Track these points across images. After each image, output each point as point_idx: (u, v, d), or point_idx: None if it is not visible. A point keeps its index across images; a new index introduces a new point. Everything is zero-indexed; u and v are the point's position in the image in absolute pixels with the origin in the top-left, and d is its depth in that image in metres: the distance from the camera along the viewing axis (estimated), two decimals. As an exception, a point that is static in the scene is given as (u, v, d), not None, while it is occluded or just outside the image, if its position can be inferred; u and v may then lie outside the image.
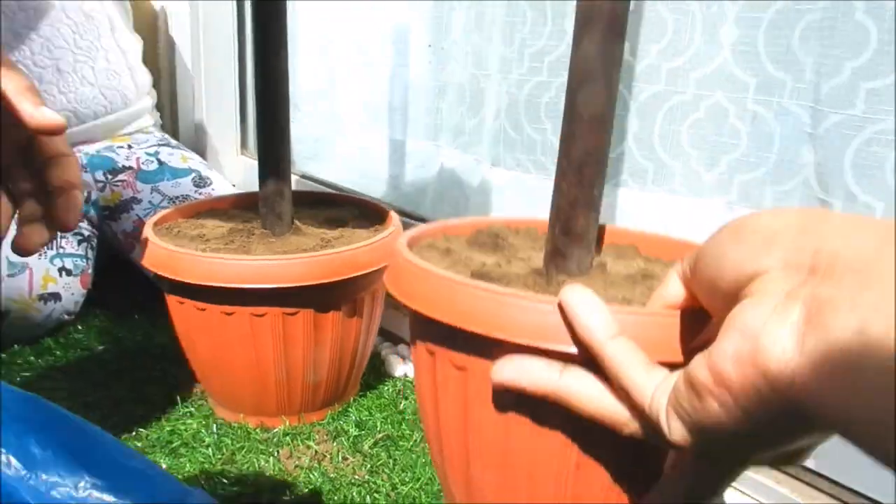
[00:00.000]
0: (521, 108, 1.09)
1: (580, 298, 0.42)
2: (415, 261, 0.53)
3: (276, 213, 0.88)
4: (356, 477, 0.76)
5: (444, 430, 0.55)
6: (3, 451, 0.45)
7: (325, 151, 1.44)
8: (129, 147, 1.31)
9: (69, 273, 1.07)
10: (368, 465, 0.78)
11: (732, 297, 0.34)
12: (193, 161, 1.31)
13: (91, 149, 1.29)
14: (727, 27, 0.84)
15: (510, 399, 0.48)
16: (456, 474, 0.56)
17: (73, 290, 1.07)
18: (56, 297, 1.04)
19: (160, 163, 1.26)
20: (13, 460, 0.46)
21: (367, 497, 0.72)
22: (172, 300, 0.81)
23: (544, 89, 1.07)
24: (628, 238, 0.68)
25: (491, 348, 0.47)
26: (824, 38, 0.74)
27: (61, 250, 1.08)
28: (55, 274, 1.04)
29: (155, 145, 1.33)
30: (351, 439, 0.82)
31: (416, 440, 0.83)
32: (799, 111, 0.80)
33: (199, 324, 0.80)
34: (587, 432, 0.46)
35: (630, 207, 0.97)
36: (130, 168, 1.24)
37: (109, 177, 1.23)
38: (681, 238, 0.67)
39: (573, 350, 0.44)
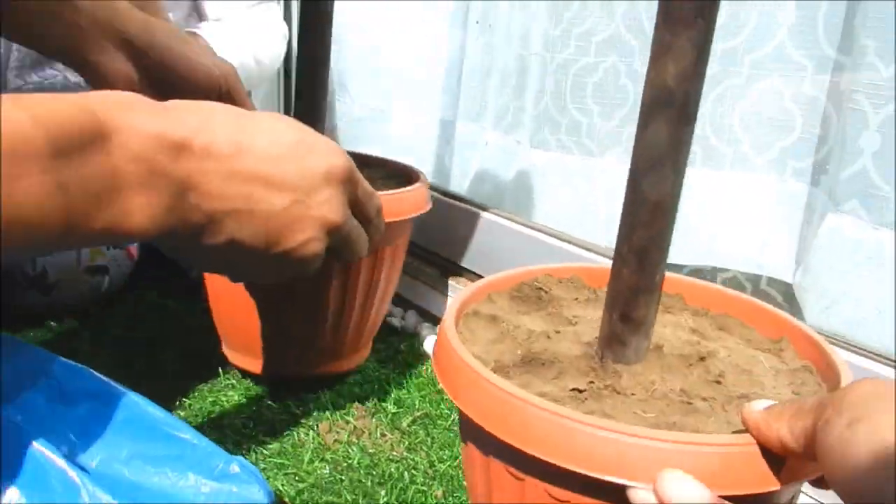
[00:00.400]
0: (567, 90, 1.05)
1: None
2: (465, 356, 0.52)
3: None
4: (394, 453, 0.80)
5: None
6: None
7: (369, 132, 1.41)
8: None
9: (116, 246, 1.07)
10: (406, 443, 0.82)
11: None
12: None
13: None
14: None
15: None
16: None
17: (120, 263, 1.08)
18: (104, 269, 1.06)
19: None
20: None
21: (405, 473, 0.76)
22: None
23: (591, 70, 1.02)
24: (673, 286, 0.66)
25: (552, 473, 0.46)
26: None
27: None
28: (103, 247, 1.05)
29: None
30: (389, 416, 0.85)
31: (454, 419, 0.87)
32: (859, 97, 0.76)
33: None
34: None
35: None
36: None
37: None
38: (727, 290, 0.68)
39: (635, 484, 0.45)
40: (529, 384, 0.54)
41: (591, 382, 0.54)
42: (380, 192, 0.77)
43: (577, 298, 0.66)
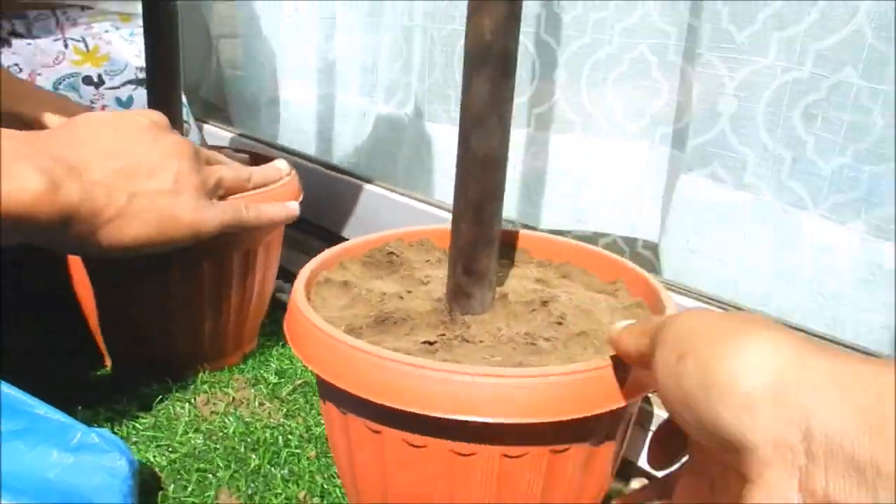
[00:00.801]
0: (455, 62, 1.07)
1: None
2: (313, 319, 0.53)
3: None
4: (271, 420, 0.80)
5: (361, 485, 0.57)
6: None
7: (263, 109, 1.39)
8: (98, 82, 1.13)
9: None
10: (285, 410, 0.83)
11: (718, 449, 0.34)
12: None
13: (52, 73, 1.10)
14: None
15: (430, 461, 0.51)
16: None
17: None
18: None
19: None
20: None
21: (280, 438, 0.77)
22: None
23: None
24: (520, 241, 0.69)
25: (404, 419, 0.48)
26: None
27: None
28: None
29: (131, 83, 1.15)
30: (270, 386, 0.86)
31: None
32: (716, 61, 0.80)
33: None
34: (506, 483, 0.51)
35: (561, 153, 1.01)
36: None
37: None
38: (569, 241, 0.73)
39: (482, 419, 0.47)
40: (381, 342, 0.55)
41: (442, 335, 0.57)
42: (250, 193, 0.78)
43: (428, 260, 0.68)
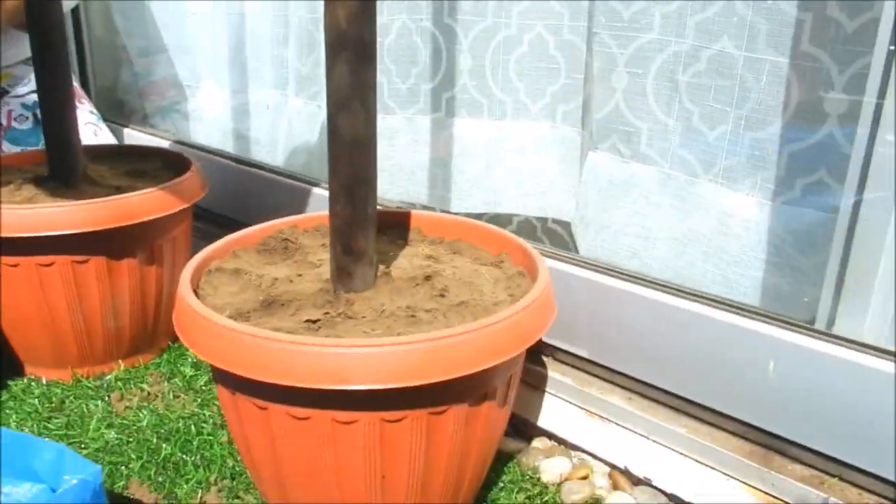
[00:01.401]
0: None
1: None
2: (198, 309, 0.55)
3: (67, 164, 0.88)
4: (185, 411, 0.82)
5: (257, 460, 0.59)
6: None
7: (178, 108, 1.39)
8: (3, 93, 1.13)
9: None
10: (199, 400, 0.84)
11: None
12: (82, 111, 1.16)
13: None
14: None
15: (315, 432, 0.54)
16: (272, 492, 0.61)
17: None
18: None
19: (37, 121, 1.11)
20: None
21: (193, 427, 0.78)
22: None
23: (385, 31, 1.05)
24: (413, 221, 0.72)
25: (286, 393, 0.51)
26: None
27: None
28: None
29: (34, 92, 1.14)
30: (186, 378, 0.87)
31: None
32: (607, 38, 0.84)
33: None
34: (389, 447, 0.54)
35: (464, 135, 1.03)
36: None
37: None
38: (459, 218, 0.76)
39: (354, 387, 0.50)
40: (266, 323, 0.58)
41: (326, 313, 0.59)
42: (146, 191, 0.79)
43: (323, 245, 0.70)
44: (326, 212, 0.76)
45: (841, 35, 0.67)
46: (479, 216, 1.07)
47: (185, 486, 0.69)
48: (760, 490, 0.64)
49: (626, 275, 0.75)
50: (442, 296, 0.62)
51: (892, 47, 0.58)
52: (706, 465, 0.67)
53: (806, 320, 0.66)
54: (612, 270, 0.76)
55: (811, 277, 0.72)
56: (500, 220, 1.10)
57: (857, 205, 0.61)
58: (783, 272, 0.76)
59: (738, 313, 0.66)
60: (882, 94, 0.59)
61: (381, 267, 0.64)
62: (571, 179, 0.99)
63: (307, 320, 0.58)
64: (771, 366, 0.63)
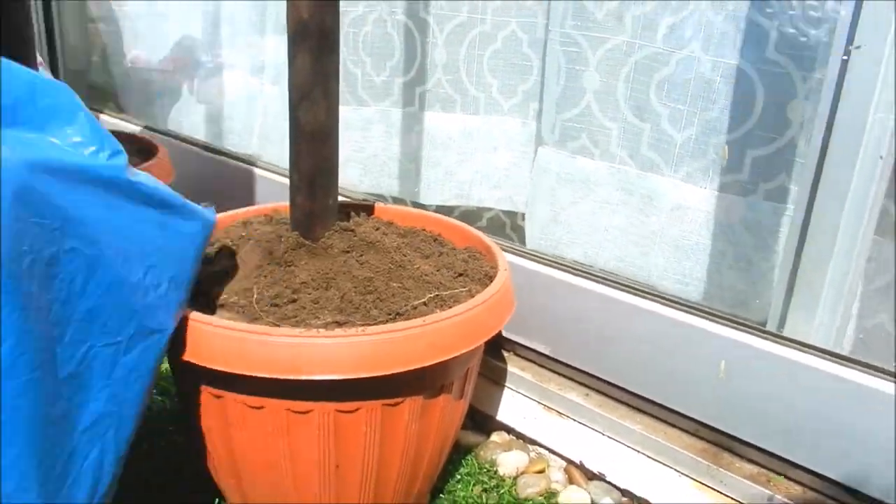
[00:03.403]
0: (359, 43, 1.07)
1: None
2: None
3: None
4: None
5: (212, 451, 0.59)
6: None
7: (154, 96, 1.38)
8: None
9: None
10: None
11: None
12: None
13: None
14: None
15: (270, 421, 0.54)
16: (230, 486, 0.61)
17: None
18: None
19: None
20: None
21: None
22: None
23: (360, 23, 1.05)
24: (386, 214, 0.72)
25: (241, 382, 0.52)
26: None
27: None
28: None
29: None
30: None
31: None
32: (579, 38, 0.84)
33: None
34: (343, 437, 0.54)
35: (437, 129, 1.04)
36: None
37: None
38: (426, 213, 0.77)
39: (309, 377, 0.51)
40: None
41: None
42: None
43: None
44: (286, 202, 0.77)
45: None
46: (450, 209, 1.08)
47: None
48: (710, 487, 0.66)
49: (581, 271, 0.76)
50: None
51: (845, 57, 0.59)
52: (659, 461, 0.69)
53: (758, 320, 0.67)
54: (567, 266, 0.77)
55: (764, 277, 0.74)
56: (471, 213, 1.10)
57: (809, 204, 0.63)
58: (737, 270, 0.77)
59: (691, 312, 0.67)
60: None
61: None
62: (534, 174, 1.01)
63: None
64: (722, 365, 0.64)
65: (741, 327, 0.64)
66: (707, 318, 0.66)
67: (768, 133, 0.75)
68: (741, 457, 0.66)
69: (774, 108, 0.73)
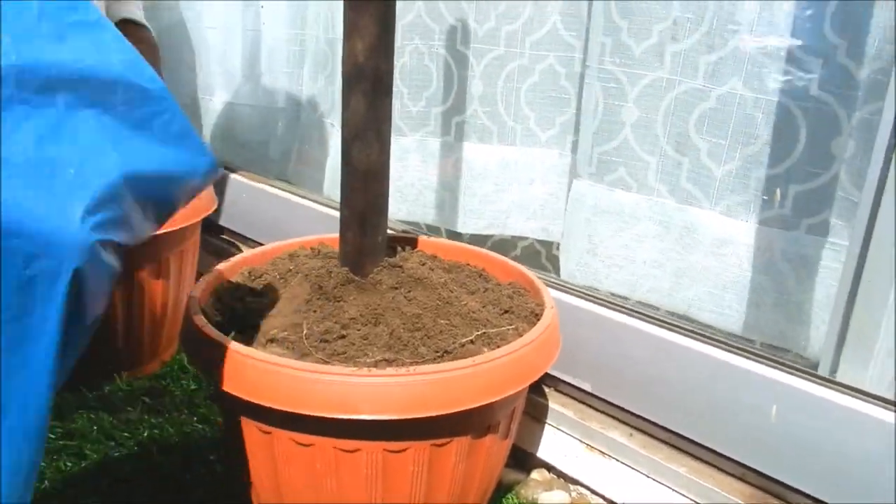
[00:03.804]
0: None
1: None
2: (204, 329, 0.55)
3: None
4: (185, 427, 0.80)
5: (258, 485, 0.60)
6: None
7: (197, 120, 1.42)
8: None
9: None
10: (199, 416, 0.82)
11: None
12: None
13: None
14: None
15: (318, 459, 0.54)
16: None
17: None
18: None
19: None
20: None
21: (193, 444, 0.77)
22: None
23: (398, 53, 1.07)
24: (430, 247, 0.73)
25: (291, 419, 0.52)
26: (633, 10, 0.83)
27: None
28: None
29: None
30: (187, 394, 0.86)
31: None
32: (618, 72, 0.85)
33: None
34: (391, 477, 0.54)
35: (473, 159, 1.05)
36: None
37: None
38: (468, 246, 0.77)
39: (359, 416, 0.51)
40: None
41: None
42: None
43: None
44: (331, 235, 0.77)
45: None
46: (484, 238, 1.08)
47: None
48: (758, 533, 0.64)
49: (621, 306, 0.76)
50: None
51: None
52: (705, 505, 0.67)
53: (804, 358, 0.66)
54: (608, 302, 0.77)
55: (808, 314, 0.73)
56: (505, 242, 1.10)
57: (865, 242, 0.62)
58: (780, 305, 0.76)
59: (741, 354, 0.66)
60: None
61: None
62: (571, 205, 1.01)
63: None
64: (774, 410, 0.63)
65: (793, 371, 0.63)
66: (758, 361, 0.65)
67: (812, 168, 0.75)
68: (791, 504, 0.64)
69: (818, 144, 0.73)
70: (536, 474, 0.77)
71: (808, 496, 0.63)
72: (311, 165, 1.24)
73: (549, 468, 0.78)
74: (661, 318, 0.74)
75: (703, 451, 0.69)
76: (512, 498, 0.73)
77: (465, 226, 1.08)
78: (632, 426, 0.74)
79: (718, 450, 0.68)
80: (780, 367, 0.64)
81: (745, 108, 0.78)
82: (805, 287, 0.74)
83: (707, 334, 0.70)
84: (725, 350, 0.67)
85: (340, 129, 0.57)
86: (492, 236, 1.09)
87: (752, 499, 0.65)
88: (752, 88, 0.77)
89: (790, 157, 0.75)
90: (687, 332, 0.71)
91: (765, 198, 0.78)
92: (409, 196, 1.13)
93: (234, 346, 0.55)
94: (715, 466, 0.69)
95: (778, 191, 0.77)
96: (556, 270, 1.02)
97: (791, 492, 0.64)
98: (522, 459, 0.79)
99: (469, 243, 0.80)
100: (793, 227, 0.76)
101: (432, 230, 1.11)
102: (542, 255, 1.10)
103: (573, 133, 0.99)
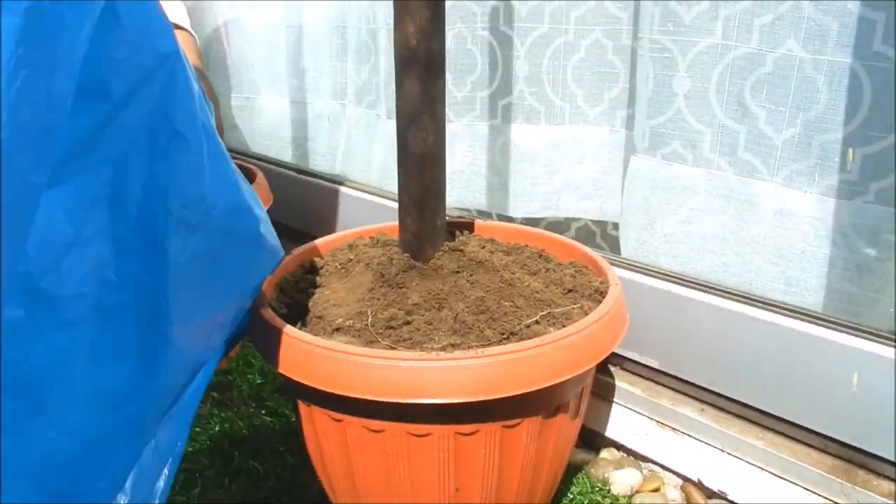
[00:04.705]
0: None
1: None
2: (270, 320, 0.56)
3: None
4: (255, 420, 0.81)
5: (331, 473, 0.60)
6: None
7: (243, 120, 1.42)
8: None
9: None
10: (267, 409, 0.83)
11: None
12: None
13: None
14: None
15: (390, 444, 0.54)
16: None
17: None
18: None
19: None
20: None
21: (263, 436, 0.78)
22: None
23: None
24: (486, 231, 0.72)
25: (361, 406, 0.53)
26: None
27: None
28: None
29: None
30: (254, 387, 0.88)
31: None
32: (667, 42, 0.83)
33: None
34: (463, 460, 0.54)
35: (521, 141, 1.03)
36: None
37: None
38: (524, 227, 0.77)
39: (429, 400, 0.50)
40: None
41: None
42: None
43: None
44: (389, 223, 0.77)
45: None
46: (536, 220, 1.07)
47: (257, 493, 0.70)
48: (843, 506, 0.63)
49: (685, 279, 0.74)
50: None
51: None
52: (786, 479, 0.65)
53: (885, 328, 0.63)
54: (670, 276, 0.75)
55: (883, 282, 0.70)
56: (559, 224, 1.09)
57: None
58: (850, 275, 0.73)
59: (816, 322, 0.64)
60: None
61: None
62: (626, 182, 0.99)
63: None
64: (855, 378, 0.61)
65: (875, 338, 0.60)
66: (835, 329, 0.62)
67: (877, 131, 0.71)
68: (878, 474, 0.62)
69: (884, 104, 0.70)
70: (606, 453, 0.76)
71: (895, 464, 0.61)
72: (360, 157, 1.25)
73: (619, 447, 0.77)
74: (728, 290, 0.72)
75: (780, 423, 0.67)
76: (582, 478, 0.72)
77: (517, 209, 1.07)
78: (703, 401, 0.73)
79: (796, 421, 0.66)
80: (860, 333, 0.61)
81: (805, 71, 0.75)
82: (880, 257, 0.71)
83: (772, 302, 0.68)
84: (798, 319, 0.65)
85: (396, 116, 0.57)
86: (544, 219, 1.08)
87: (836, 470, 0.63)
88: (811, 50, 0.74)
89: (854, 120, 0.72)
90: (755, 303, 0.69)
91: (831, 163, 0.76)
92: (458, 183, 1.12)
93: (303, 337, 0.55)
94: (793, 438, 0.67)
95: (851, 151, 0.73)
96: (613, 250, 1.00)
97: (877, 461, 0.62)
98: (590, 439, 0.78)
99: (523, 225, 0.80)
100: (860, 193, 0.73)
101: (483, 215, 1.11)
102: (597, 234, 1.09)
103: (623, 108, 0.97)
